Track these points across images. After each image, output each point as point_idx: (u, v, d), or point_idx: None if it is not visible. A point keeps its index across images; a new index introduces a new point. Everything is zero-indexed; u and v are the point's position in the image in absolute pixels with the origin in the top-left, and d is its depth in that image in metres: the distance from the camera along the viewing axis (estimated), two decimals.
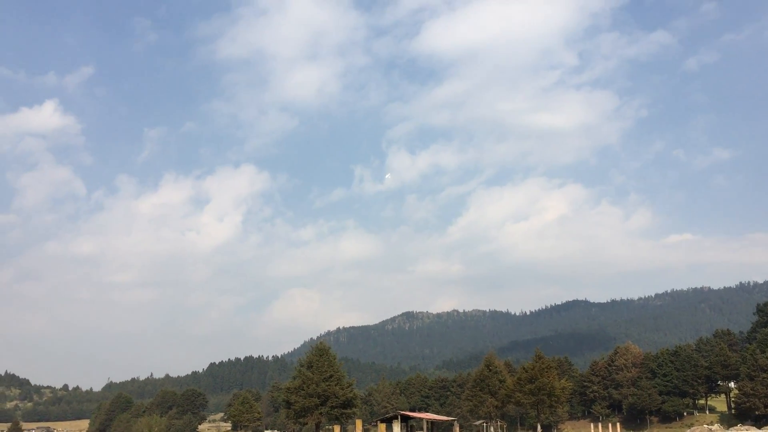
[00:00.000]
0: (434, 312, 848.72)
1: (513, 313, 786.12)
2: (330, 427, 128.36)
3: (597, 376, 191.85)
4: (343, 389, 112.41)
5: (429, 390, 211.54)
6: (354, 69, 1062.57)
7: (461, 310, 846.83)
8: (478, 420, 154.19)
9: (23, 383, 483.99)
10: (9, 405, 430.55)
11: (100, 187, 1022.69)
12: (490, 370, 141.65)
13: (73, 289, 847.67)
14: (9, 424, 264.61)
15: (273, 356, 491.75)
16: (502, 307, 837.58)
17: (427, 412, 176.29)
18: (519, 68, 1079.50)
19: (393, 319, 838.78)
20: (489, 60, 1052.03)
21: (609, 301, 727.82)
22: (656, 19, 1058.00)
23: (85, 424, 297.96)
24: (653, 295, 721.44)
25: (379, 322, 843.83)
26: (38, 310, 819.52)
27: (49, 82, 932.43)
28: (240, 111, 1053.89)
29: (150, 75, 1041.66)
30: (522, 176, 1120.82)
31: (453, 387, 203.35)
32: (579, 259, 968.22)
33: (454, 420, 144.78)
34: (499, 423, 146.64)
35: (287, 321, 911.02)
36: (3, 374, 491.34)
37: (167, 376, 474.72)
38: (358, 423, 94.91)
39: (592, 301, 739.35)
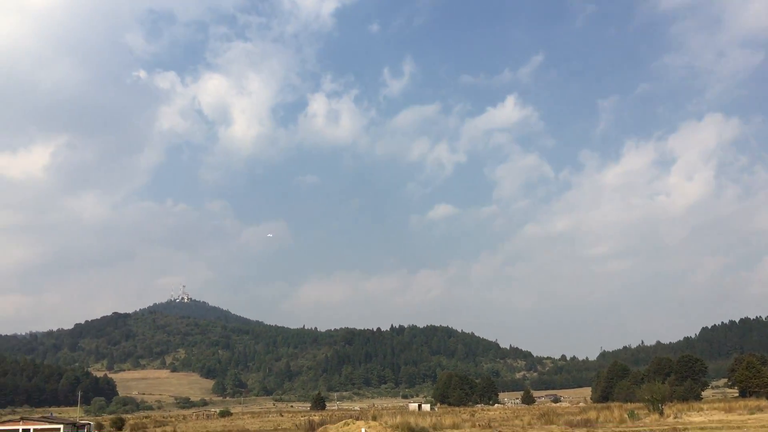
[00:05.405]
0: None
1: None
2: None
3: None
4: None
5: None
6: None
7: None
8: None
9: (527, 355, 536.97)
10: (518, 375, 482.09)
11: (566, 166, 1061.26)
12: None
13: (555, 266, 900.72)
14: (522, 392, 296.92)
15: None
16: None
17: None
18: None
19: None
20: None
21: None
22: None
23: (587, 391, 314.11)
24: None
25: None
26: (529, 288, 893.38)
27: (505, 79, 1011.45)
28: (694, 59, 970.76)
29: (594, 46, 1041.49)
30: None
31: None
32: None
33: None
34: None
35: None
36: (508, 348, 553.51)
37: (658, 342, 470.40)
38: None
39: None
